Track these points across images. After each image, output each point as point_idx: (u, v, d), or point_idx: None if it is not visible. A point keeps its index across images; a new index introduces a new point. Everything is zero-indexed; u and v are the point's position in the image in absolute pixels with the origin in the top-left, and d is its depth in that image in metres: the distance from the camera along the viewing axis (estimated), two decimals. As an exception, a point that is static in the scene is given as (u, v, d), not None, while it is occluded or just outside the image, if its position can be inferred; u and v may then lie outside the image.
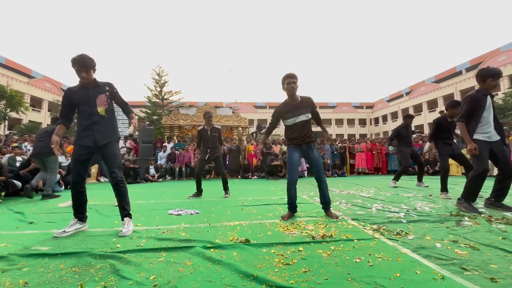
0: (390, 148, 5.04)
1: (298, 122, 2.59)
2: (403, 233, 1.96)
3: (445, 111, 3.92)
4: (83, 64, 2.13)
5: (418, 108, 33.71)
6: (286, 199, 2.66)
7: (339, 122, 42.78)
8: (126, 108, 2.39)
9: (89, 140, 2.16)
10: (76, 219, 2.20)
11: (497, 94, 22.26)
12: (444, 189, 3.74)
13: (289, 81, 2.52)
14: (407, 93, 36.99)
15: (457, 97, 27.57)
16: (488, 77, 2.71)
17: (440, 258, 1.47)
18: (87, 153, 2.18)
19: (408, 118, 5.23)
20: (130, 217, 2.22)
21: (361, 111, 44.37)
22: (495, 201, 2.78)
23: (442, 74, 31.91)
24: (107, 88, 2.25)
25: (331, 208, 2.65)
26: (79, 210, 2.22)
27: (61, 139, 2.29)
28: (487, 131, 2.71)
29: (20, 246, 1.79)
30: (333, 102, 44.99)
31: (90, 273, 1.35)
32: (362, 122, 43.69)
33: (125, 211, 2.21)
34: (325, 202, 2.62)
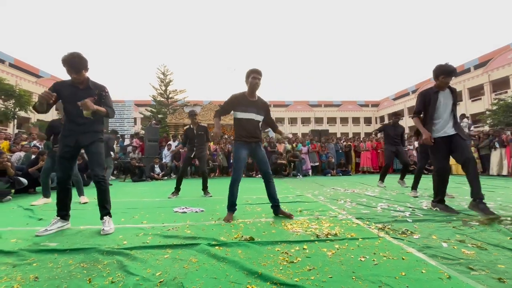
0: (379, 135, 5.07)
1: (248, 119, 2.55)
2: (409, 232, 1.94)
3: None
4: (72, 65, 2.06)
5: (424, 107, 33.16)
6: (228, 199, 2.56)
7: (344, 120, 42.45)
8: (109, 113, 2.25)
9: (72, 140, 2.16)
10: (59, 217, 2.17)
11: (506, 92, 21.81)
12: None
13: (254, 76, 2.51)
14: (413, 91, 36.47)
15: (465, 95, 27.08)
16: (440, 74, 2.69)
17: (447, 257, 1.46)
18: (71, 150, 2.18)
19: (394, 116, 5.20)
20: (110, 216, 2.20)
21: (366, 109, 43.94)
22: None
23: (450, 71, 31.31)
24: (97, 91, 2.21)
25: (281, 206, 2.64)
26: (63, 208, 2.20)
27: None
28: (443, 128, 2.69)
29: (30, 242, 1.83)
30: (338, 101, 44.64)
31: (98, 268, 1.38)
32: (368, 121, 43.26)
33: (105, 210, 2.20)
34: (274, 199, 2.60)
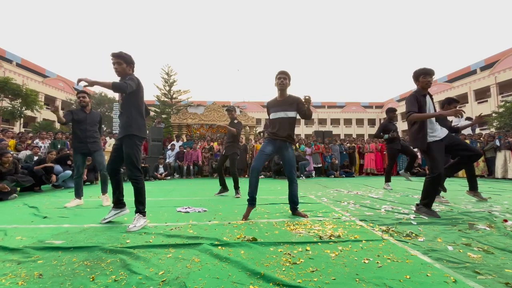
0: (385, 136, 4.92)
1: (277, 119, 2.63)
2: (413, 235, 1.92)
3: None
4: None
5: (429, 108, 32.88)
6: (248, 192, 2.57)
7: (348, 122, 42.24)
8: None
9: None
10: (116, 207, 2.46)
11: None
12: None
13: (280, 77, 2.60)
14: (418, 93, 36.10)
15: (471, 97, 26.78)
16: (420, 75, 2.67)
17: (452, 261, 1.43)
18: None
19: (389, 112, 5.14)
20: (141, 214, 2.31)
21: (370, 111, 43.66)
22: (470, 190, 3.07)
23: (455, 73, 31.03)
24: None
25: (298, 208, 2.68)
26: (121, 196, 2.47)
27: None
28: (434, 131, 2.64)
29: (35, 240, 1.85)
30: (341, 102, 44.46)
31: (101, 267, 1.38)
32: (372, 122, 42.98)
33: (136, 207, 2.29)
34: (293, 202, 2.65)
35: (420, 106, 2.62)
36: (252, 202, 2.58)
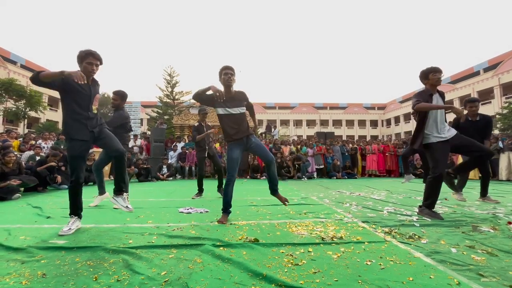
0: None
1: (231, 115, 2.51)
2: (416, 236, 1.91)
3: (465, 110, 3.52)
4: (99, 57, 2.15)
5: (432, 110, 32.71)
6: (223, 200, 2.52)
7: (350, 123, 42.13)
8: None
9: (85, 133, 2.13)
10: (77, 217, 2.15)
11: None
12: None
13: (226, 72, 2.49)
14: (421, 94, 35.96)
15: (474, 98, 26.59)
16: (429, 72, 2.65)
17: (456, 263, 1.42)
18: (86, 148, 2.17)
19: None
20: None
21: (372, 112, 43.53)
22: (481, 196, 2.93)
23: (459, 74, 30.85)
24: (98, 88, 2.29)
25: (277, 190, 2.65)
26: (80, 207, 2.19)
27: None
28: (439, 131, 2.60)
29: (38, 239, 1.86)
30: (343, 103, 44.36)
31: (104, 267, 1.39)
32: (374, 123, 42.84)
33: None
34: (273, 184, 2.62)
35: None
36: (227, 210, 2.53)
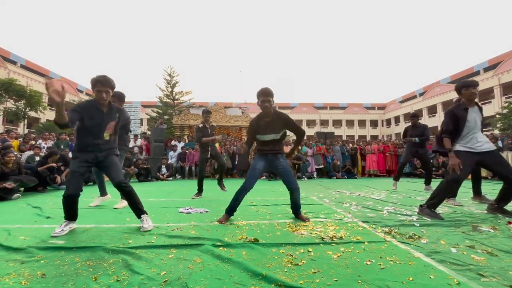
0: (417, 140, 4.92)
1: (268, 141, 2.51)
2: (416, 236, 1.91)
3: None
4: (107, 84, 2.09)
5: (432, 110, 32.73)
6: (230, 202, 2.50)
7: (350, 123, 42.11)
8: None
9: (89, 156, 2.14)
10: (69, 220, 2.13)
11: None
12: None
13: (263, 100, 2.39)
14: (421, 94, 35.99)
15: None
16: (462, 87, 2.69)
17: (456, 263, 1.42)
18: (87, 166, 2.15)
19: (411, 118, 5.15)
20: (147, 214, 2.28)
21: (372, 112, 43.52)
22: (498, 206, 2.68)
23: (459, 74, 30.84)
24: (117, 115, 2.25)
25: (300, 212, 2.59)
26: (76, 214, 2.16)
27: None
28: (470, 143, 2.61)
29: (38, 239, 1.86)
30: (343, 103, 44.36)
31: (104, 267, 1.39)
32: (374, 123, 42.82)
33: (138, 210, 2.24)
34: (296, 208, 2.57)
35: (458, 123, 2.65)
36: (231, 213, 2.53)
